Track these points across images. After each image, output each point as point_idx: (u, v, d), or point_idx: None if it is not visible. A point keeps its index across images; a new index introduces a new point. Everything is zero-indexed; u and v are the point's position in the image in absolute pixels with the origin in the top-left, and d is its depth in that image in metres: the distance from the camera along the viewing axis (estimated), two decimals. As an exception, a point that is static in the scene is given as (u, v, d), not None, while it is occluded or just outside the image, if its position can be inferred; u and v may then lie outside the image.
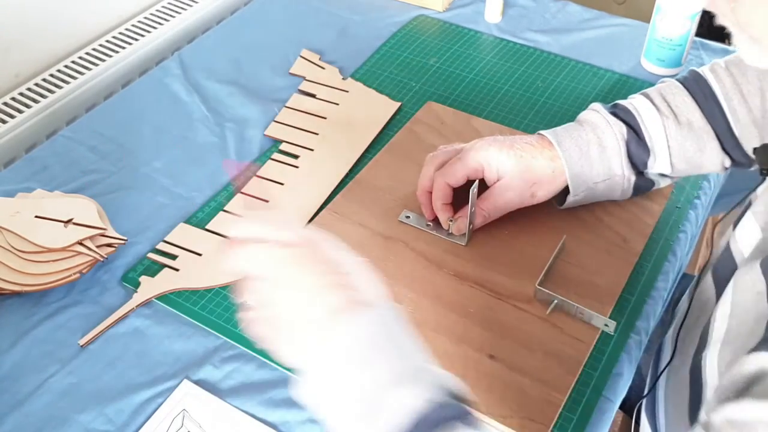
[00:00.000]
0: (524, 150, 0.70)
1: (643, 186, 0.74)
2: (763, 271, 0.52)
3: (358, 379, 0.46)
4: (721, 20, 0.47)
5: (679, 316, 0.71)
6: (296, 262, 0.49)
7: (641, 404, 0.72)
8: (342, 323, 0.47)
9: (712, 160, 0.72)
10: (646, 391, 0.71)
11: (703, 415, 0.46)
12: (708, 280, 0.66)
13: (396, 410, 0.44)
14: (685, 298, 0.74)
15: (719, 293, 0.59)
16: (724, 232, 0.67)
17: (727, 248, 0.62)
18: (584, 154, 0.71)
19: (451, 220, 0.72)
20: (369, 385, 0.46)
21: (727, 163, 0.73)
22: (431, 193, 0.73)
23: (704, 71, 0.73)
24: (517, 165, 0.70)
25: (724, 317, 0.56)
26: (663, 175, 0.74)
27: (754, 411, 0.41)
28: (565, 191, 0.72)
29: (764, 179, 0.61)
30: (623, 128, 0.72)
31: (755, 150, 0.60)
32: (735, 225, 0.63)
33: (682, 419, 0.60)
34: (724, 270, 0.62)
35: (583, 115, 0.74)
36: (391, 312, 0.49)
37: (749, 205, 0.62)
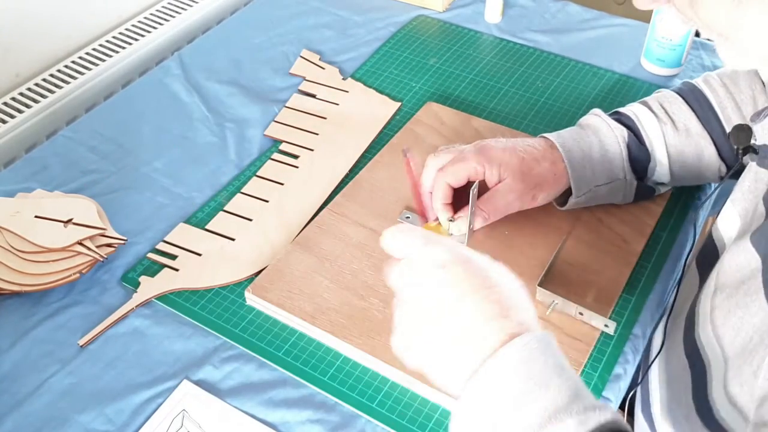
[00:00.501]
0: (526, 152, 0.71)
1: (645, 192, 0.75)
2: (754, 245, 0.52)
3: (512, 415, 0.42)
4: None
5: (667, 310, 0.72)
6: (454, 283, 0.45)
7: (633, 398, 0.72)
8: (498, 354, 0.43)
9: (710, 167, 0.74)
10: (639, 380, 0.71)
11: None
12: (692, 269, 0.67)
13: None
14: (671, 291, 0.74)
15: (703, 280, 0.60)
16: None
17: (710, 236, 0.63)
18: (586, 156, 0.71)
19: (450, 220, 0.72)
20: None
21: (724, 170, 0.74)
22: (432, 194, 0.73)
23: (698, 82, 0.75)
24: (519, 167, 0.70)
25: (708, 296, 0.56)
26: (663, 183, 0.75)
27: None
28: (567, 193, 0.73)
29: (736, 165, 0.61)
30: (624, 132, 0.72)
31: (731, 131, 0.60)
32: (716, 215, 0.64)
33: (684, 403, 0.60)
34: (707, 257, 0.62)
35: (585, 119, 0.75)
36: (546, 338, 0.45)
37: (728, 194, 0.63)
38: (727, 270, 0.55)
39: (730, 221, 0.61)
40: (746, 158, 0.60)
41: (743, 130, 0.59)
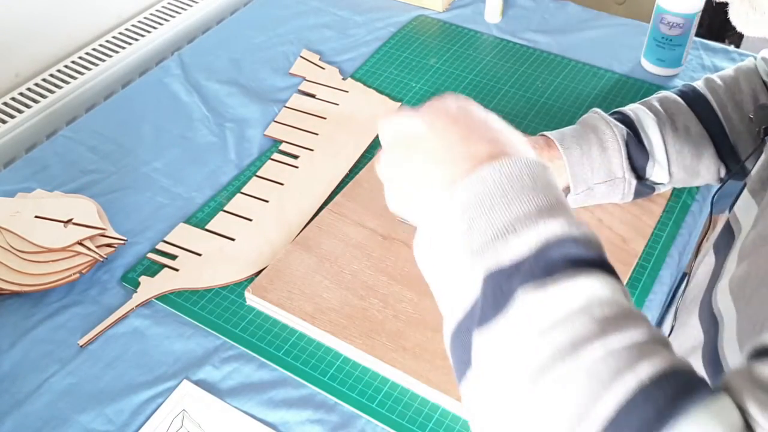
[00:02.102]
0: None
1: (643, 191, 0.75)
2: None
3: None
4: None
5: (678, 296, 0.72)
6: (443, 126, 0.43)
7: None
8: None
9: (709, 168, 0.74)
10: None
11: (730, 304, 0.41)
12: (710, 254, 0.66)
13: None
14: (676, 279, 0.74)
15: (720, 265, 0.59)
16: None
17: (727, 224, 0.63)
18: (585, 153, 0.71)
19: None
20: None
21: (723, 172, 0.74)
22: None
23: (698, 84, 0.76)
24: None
25: (728, 272, 0.53)
26: (661, 183, 0.75)
27: None
28: (565, 191, 0.73)
29: (756, 150, 0.60)
30: (623, 130, 0.72)
31: (753, 111, 0.59)
32: (731, 206, 0.63)
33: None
34: (724, 242, 0.62)
35: (584, 118, 0.75)
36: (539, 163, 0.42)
37: (744, 185, 0.63)
38: (747, 243, 0.52)
39: (747, 206, 0.59)
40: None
41: (766, 109, 0.58)
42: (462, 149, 0.42)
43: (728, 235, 0.62)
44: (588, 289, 0.36)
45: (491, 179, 0.39)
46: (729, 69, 0.76)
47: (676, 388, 0.33)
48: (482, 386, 0.37)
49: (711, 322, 0.55)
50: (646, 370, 0.33)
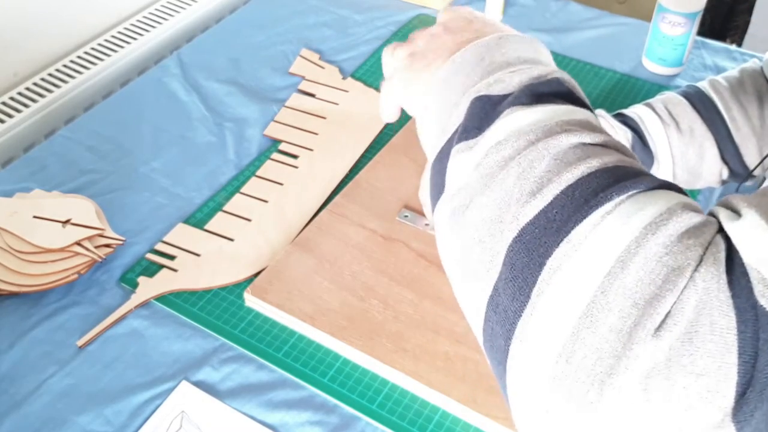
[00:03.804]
0: None
1: None
2: None
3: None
4: None
5: None
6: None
7: None
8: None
9: (711, 170, 0.74)
10: None
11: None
12: None
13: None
14: None
15: None
16: None
17: None
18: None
19: None
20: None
21: (725, 174, 0.74)
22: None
23: (703, 85, 0.75)
24: None
25: None
26: None
27: None
28: None
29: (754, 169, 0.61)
30: (628, 133, 0.72)
31: None
32: None
33: None
34: None
35: None
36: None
37: (762, 180, 0.63)
38: None
39: None
40: None
41: None
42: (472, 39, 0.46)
43: None
44: (568, 109, 0.38)
45: (487, 43, 0.44)
46: (734, 70, 0.76)
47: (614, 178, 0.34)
48: (452, 204, 0.38)
49: None
50: (590, 164, 0.34)
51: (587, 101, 0.41)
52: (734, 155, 0.72)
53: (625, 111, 0.75)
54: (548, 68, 0.41)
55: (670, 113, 0.73)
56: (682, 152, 0.73)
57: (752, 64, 0.75)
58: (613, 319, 0.30)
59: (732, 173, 0.74)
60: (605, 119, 0.74)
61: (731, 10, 1.66)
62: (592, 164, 0.34)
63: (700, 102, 0.74)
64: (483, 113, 0.39)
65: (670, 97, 0.75)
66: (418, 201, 0.75)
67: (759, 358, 0.28)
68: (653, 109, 0.74)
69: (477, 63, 0.43)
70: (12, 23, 0.97)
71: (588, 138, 0.36)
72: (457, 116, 0.41)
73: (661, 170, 0.73)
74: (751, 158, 0.72)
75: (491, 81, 0.41)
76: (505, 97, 0.39)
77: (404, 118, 0.89)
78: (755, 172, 0.70)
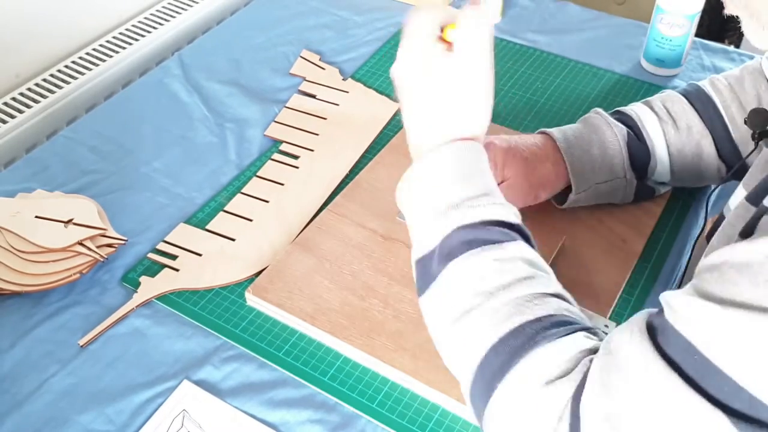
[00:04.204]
0: (530, 152, 0.71)
1: (644, 193, 0.75)
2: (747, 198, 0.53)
3: None
4: (730, 9, 0.50)
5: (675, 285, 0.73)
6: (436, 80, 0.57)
7: None
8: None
9: (709, 168, 0.74)
10: None
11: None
12: (700, 246, 0.67)
13: None
14: (678, 271, 0.75)
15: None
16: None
17: (721, 215, 0.63)
18: (586, 152, 0.71)
19: None
20: None
21: (723, 171, 0.74)
22: None
23: (703, 84, 0.76)
24: (523, 168, 0.70)
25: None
26: (662, 183, 0.75)
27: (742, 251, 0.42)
28: (567, 190, 0.73)
29: (753, 152, 0.62)
30: (624, 130, 0.73)
31: (747, 115, 0.62)
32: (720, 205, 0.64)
33: None
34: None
35: (585, 117, 0.75)
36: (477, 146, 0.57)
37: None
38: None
39: (737, 198, 0.60)
40: (762, 143, 0.60)
41: (760, 114, 0.60)
42: (451, 120, 0.57)
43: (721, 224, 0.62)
44: (515, 252, 0.52)
45: (450, 157, 0.56)
46: (735, 69, 0.76)
47: (538, 330, 0.48)
48: (432, 306, 0.54)
49: None
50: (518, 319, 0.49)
51: (521, 225, 0.55)
52: (732, 154, 0.73)
53: (623, 109, 0.76)
54: (500, 207, 0.54)
55: (668, 111, 0.74)
56: (680, 150, 0.73)
57: (754, 63, 0.75)
58: None
59: (730, 171, 0.74)
60: (602, 117, 0.74)
61: (730, 12, 1.66)
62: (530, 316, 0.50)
63: (699, 100, 0.74)
64: (446, 249, 0.53)
65: (670, 95, 0.76)
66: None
67: None
68: (651, 107, 0.74)
69: (458, 179, 0.55)
70: (14, 25, 0.97)
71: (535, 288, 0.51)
72: (434, 239, 0.54)
73: (658, 168, 0.73)
74: (750, 157, 0.72)
75: (466, 210, 0.53)
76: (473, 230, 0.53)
77: (404, 118, 0.90)
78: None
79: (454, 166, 0.55)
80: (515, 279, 0.50)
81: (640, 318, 0.46)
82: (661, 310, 0.45)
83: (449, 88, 0.56)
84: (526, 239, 0.54)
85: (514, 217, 0.54)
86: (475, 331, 0.50)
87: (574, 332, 0.48)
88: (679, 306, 0.44)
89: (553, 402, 0.46)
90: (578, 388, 0.45)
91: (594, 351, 0.48)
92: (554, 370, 0.47)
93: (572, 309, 0.51)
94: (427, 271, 0.54)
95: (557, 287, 0.52)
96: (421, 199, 0.56)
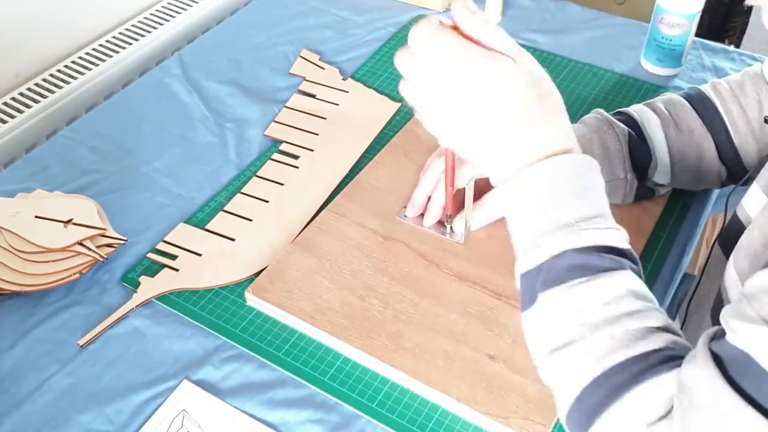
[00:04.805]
0: None
1: (644, 194, 0.75)
2: None
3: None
4: (749, 0, 0.50)
5: (687, 295, 0.72)
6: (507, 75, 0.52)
7: None
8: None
9: (710, 170, 0.74)
10: None
11: (735, 278, 0.50)
12: (716, 251, 0.66)
13: None
14: (675, 280, 0.75)
15: (728, 256, 0.60)
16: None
17: (735, 217, 0.63)
18: (586, 152, 0.71)
19: (449, 215, 0.73)
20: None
21: (724, 174, 0.74)
22: (432, 196, 0.73)
23: (704, 87, 0.76)
24: None
25: (731, 274, 0.57)
26: (662, 185, 0.75)
27: None
28: None
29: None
30: (625, 131, 0.72)
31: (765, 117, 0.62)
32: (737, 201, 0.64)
33: None
34: (731, 236, 0.62)
35: (586, 118, 0.75)
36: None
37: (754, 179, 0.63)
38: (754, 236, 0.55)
39: (756, 199, 0.60)
40: None
41: None
42: (543, 127, 0.52)
43: (737, 229, 0.61)
44: (624, 283, 0.49)
45: (566, 169, 0.52)
46: (737, 73, 0.76)
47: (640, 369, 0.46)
48: (534, 327, 0.52)
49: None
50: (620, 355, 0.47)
51: (632, 254, 0.53)
52: (733, 157, 0.73)
53: (625, 109, 0.76)
54: (611, 231, 0.52)
55: (670, 113, 0.74)
56: (681, 151, 0.73)
57: (755, 68, 0.76)
58: None
59: (730, 175, 0.74)
60: (604, 118, 0.74)
61: (729, 11, 1.66)
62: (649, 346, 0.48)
63: (701, 104, 0.74)
64: (556, 268, 0.51)
65: (672, 97, 0.76)
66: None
67: None
68: (653, 109, 0.74)
69: (568, 196, 0.51)
70: (13, 25, 0.97)
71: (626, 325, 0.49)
72: (542, 255, 0.51)
73: (659, 169, 0.73)
74: (750, 161, 0.73)
75: (578, 236, 0.51)
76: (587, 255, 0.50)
77: (404, 118, 0.90)
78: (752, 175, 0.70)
79: (571, 180, 0.51)
80: (622, 313, 0.49)
81: (701, 345, 0.45)
82: (723, 333, 0.44)
83: (522, 96, 0.51)
84: (634, 265, 0.52)
85: (624, 242, 0.52)
86: (578, 363, 0.49)
87: (678, 367, 0.46)
88: (747, 332, 0.42)
89: None
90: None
91: None
92: (656, 410, 0.45)
93: (679, 341, 0.49)
94: (532, 289, 0.52)
95: (664, 319, 0.50)
96: (532, 209, 0.52)
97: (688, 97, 0.75)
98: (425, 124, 0.55)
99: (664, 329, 0.49)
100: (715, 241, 0.69)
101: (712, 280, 0.66)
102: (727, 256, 0.60)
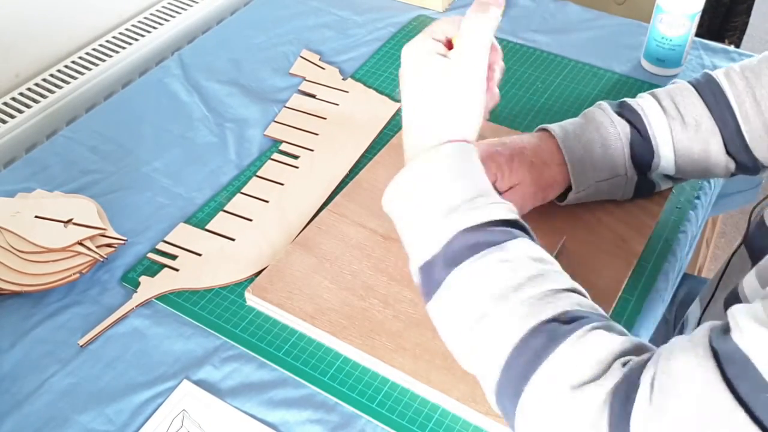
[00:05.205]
0: (535, 156, 0.70)
1: (645, 188, 0.74)
2: None
3: None
4: None
5: (704, 294, 0.72)
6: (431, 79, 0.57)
7: None
8: None
9: (717, 163, 0.72)
10: None
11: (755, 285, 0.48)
12: (741, 255, 0.66)
13: None
14: (712, 280, 0.74)
15: (755, 263, 0.59)
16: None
17: (762, 223, 0.62)
18: (587, 151, 0.71)
19: None
20: None
21: (732, 166, 0.72)
22: None
23: (717, 74, 0.72)
24: (529, 172, 0.70)
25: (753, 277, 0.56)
26: (666, 177, 0.74)
27: None
28: (568, 187, 0.72)
29: None
30: (627, 128, 0.71)
31: None
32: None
33: None
34: (759, 240, 0.62)
35: (589, 112, 0.74)
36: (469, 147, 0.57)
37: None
38: None
39: None
40: None
41: None
42: (443, 122, 0.56)
43: (763, 234, 0.61)
44: (520, 250, 0.52)
45: (446, 156, 0.55)
46: (753, 59, 0.73)
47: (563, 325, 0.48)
48: (442, 312, 0.53)
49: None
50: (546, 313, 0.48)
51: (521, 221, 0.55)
52: (742, 149, 0.70)
53: (630, 101, 0.73)
54: (503, 205, 0.54)
55: (676, 106, 0.71)
56: (686, 147, 0.71)
57: None
58: None
59: (739, 166, 0.72)
60: (605, 113, 0.73)
61: (729, 11, 1.66)
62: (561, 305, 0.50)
63: (711, 93, 0.71)
64: (457, 249, 0.52)
65: (680, 87, 0.73)
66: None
67: None
68: (659, 101, 0.72)
69: (450, 177, 0.54)
70: (13, 25, 0.97)
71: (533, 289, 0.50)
72: (435, 244, 0.53)
73: (662, 164, 0.72)
74: (761, 152, 0.70)
75: (468, 212, 0.53)
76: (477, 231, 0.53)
77: (404, 118, 0.90)
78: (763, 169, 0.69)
79: (449, 167, 0.55)
80: (525, 278, 0.50)
81: (702, 335, 0.44)
82: (727, 328, 0.43)
83: (441, 89, 0.56)
84: (526, 234, 0.54)
85: (511, 213, 0.54)
86: (494, 336, 0.49)
87: (592, 329, 0.48)
88: (753, 334, 0.41)
89: (584, 408, 0.45)
90: (617, 398, 0.44)
91: (622, 354, 0.47)
92: (582, 372, 0.46)
93: (585, 301, 0.51)
94: (432, 277, 0.53)
95: (567, 280, 0.52)
96: (416, 201, 0.55)
97: (698, 86, 0.72)
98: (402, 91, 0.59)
99: (568, 290, 0.51)
100: (741, 244, 0.68)
101: (731, 283, 0.65)
102: (753, 260, 0.60)
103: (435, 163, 0.55)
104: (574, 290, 0.51)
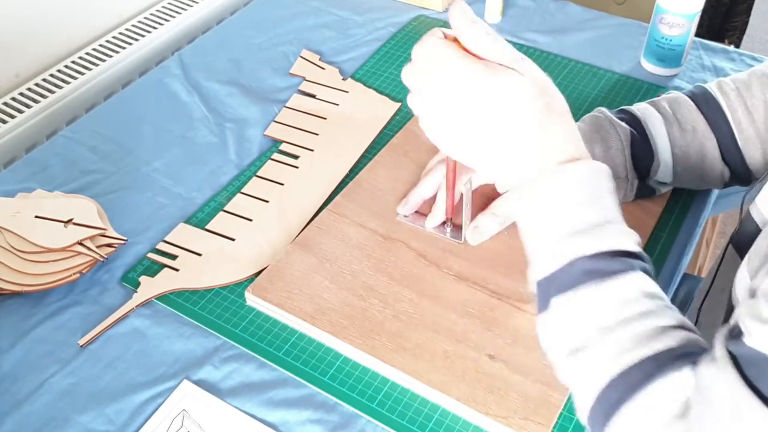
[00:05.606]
0: None
1: (645, 193, 0.75)
2: None
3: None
4: None
5: (698, 294, 0.72)
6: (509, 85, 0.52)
7: None
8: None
9: (713, 170, 0.74)
10: None
11: (746, 281, 0.50)
12: (730, 251, 0.66)
13: None
14: (707, 278, 0.74)
15: (741, 256, 0.60)
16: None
17: (748, 217, 0.63)
18: (588, 151, 0.71)
19: (450, 219, 0.73)
20: None
21: (727, 174, 0.74)
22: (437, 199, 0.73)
23: (710, 86, 0.75)
24: None
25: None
26: (664, 184, 0.75)
27: None
28: None
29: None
30: (627, 130, 0.72)
31: None
32: (751, 199, 0.63)
33: None
34: (745, 235, 0.62)
35: (588, 116, 0.75)
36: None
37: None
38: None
39: None
40: None
41: None
42: (553, 135, 0.53)
43: (751, 230, 0.61)
44: (635, 284, 0.50)
45: (576, 178, 0.52)
46: (743, 72, 0.76)
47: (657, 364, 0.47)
48: (549, 330, 0.53)
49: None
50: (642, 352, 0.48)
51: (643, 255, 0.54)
52: (736, 157, 0.72)
53: (628, 108, 0.75)
54: (629, 236, 0.54)
55: (673, 112, 0.73)
56: (684, 151, 0.73)
57: (762, 67, 0.75)
58: None
59: (733, 175, 0.74)
60: (606, 117, 0.74)
61: (729, 11, 1.66)
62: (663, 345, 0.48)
63: (705, 103, 0.74)
64: (571, 275, 0.51)
65: (676, 96, 0.75)
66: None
67: None
68: (657, 107, 0.74)
69: (578, 205, 0.52)
70: (13, 25, 0.97)
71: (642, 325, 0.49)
72: (555, 264, 0.52)
73: (661, 169, 0.73)
74: (754, 162, 0.72)
75: (589, 239, 0.51)
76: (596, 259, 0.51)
77: (404, 118, 0.90)
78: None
79: (581, 189, 0.52)
80: (635, 314, 0.49)
81: (720, 343, 0.45)
82: (737, 332, 0.44)
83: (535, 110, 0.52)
84: (646, 265, 0.53)
85: (635, 245, 0.53)
86: (594, 366, 0.49)
87: (693, 364, 0.47)
88: (763, 334, 0.42)
89: None
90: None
91: None
92: (672, 409, 0.46)
93: (693, 338, 0.49)
94: (546, 294, 0.52)
95: (678, 317, 0.51)
96: (543, 218, 0.53)
97: (693, 96, 0.75)
98: (431, 135, 0.55)
99: (678, 327, 0.50)
100: (729, 241, 0.69)
101: (725, 280, 0.66)
102: (741, 256, 0.60)
103: (568, 183, 0.52)
104: (684, 327, 0.50)
